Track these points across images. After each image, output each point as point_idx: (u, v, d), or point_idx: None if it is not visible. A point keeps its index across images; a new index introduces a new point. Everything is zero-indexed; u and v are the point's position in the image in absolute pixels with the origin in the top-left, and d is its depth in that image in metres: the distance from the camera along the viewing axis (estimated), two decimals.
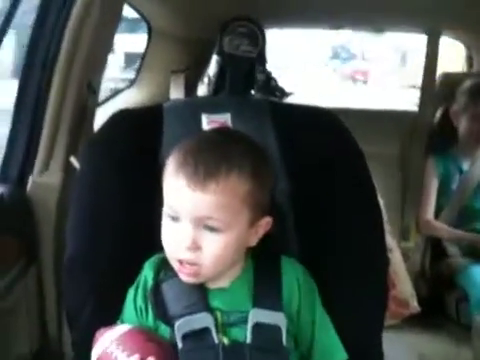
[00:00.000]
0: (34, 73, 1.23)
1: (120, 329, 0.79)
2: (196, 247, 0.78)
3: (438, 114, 1.96)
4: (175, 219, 0.80)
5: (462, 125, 1.86)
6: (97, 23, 1.25)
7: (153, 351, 0.76)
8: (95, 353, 0.78)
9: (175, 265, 0.81)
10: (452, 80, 2.00)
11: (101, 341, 0.78)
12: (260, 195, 0.81)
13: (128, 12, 2.05)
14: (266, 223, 0.83)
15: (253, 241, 0.84)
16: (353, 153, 1.00)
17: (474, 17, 2.00)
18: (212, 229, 0.78)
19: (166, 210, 0.81)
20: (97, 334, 0.80)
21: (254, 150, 0.83)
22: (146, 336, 0.78)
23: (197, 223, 0.78)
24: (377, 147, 1.77)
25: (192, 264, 0.79)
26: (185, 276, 0.81)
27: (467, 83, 1.87)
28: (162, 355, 0.76)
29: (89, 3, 1.22)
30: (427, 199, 1.88)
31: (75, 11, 1.22)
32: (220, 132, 0.90)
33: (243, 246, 0.83)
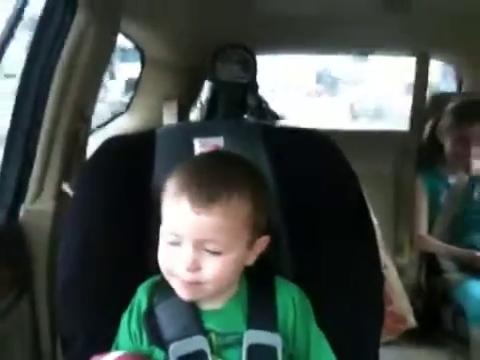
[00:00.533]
0: (27, 101, 1.24)
1: (114, 355, 0.78)
2: (196, 268, 0.78)
3: (427, 132, 1.98)
4: (176, 241, 0.80)
5: (447, 145, 1.89)
6: (91, 52, 1.26)
7: None
8: None
9: (175, 284, 0.81)
10: (442, 100, 2.03)
11: None
12: (259, 216, 0.81)
13: (126, 43, 2.10)
14: (264, 241, 0.84)
15: (251, 260, 0.84)
16: (345, 174, 1.01)
17: (462, 38, 2.04)
18: (213, 252, 0.78)
19: (166, 233, 0.81)
20: None
21: (252, 172, 0.84)
22: None
23: (198, 245, 0.78)
24: (370, 166, 1.78)
25: (193, 284, 0.79)
26: (186, 295, 0.81)
27: (452, 104, 1.90)
28: None
29: (83, 32, 1.24)
30: (419, 216, 1.90)
31: (69, 40, 1.23)
32: (216, 155, 0.91)
33: (241, 266, 0.83)
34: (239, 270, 0.83)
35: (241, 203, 0.79)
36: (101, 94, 1.45)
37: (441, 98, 2.11)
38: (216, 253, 0.78)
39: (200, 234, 0.77)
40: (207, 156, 0.91)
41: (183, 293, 0.81)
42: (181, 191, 0.79)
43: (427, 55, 2.02)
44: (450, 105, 1.89)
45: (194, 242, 0.78)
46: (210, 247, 0.78)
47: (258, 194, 0.81)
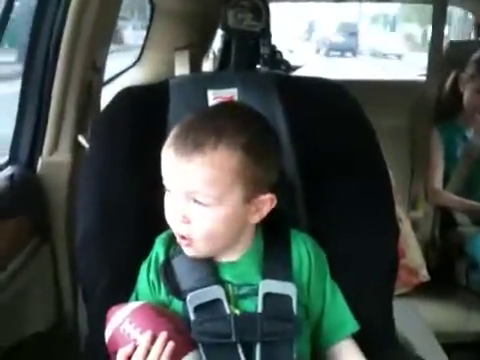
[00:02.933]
0: (39, 54, 1.23)
1: (131, 306, 0.80)
2: (187, 220, 0.78)
3: (448, 82, 1.93)
4: (170, 192, 0.80)
5: (466, 95, 1.84)
6: (100, 2, 1.24)
7: (165, 326, 0.77)
8: (108, 331, 0.79)
9: (177, 238, 0.82)
10: (459, 48, 1.98)
11: (113, 319, 0.79)
12: (256, 170, 0.78)
13: None
14: (269, 200, 0.81)
15: (254, 218, 0.82)
16: (361, 124, 1.00)
17: None
18: (202, 203, 0.77)
19: (165, 184, 0.81)
20: (109, 313, 0.80)
21: (253, 124, 0.80)
22: (157, 311, 0.79)
23: (187, 197, 0.78)
24: (385, 117, 1.75)
25: (186, 238, 0.80)
26: (184, 248, 0.82)
27: (478, 53, 1.84)
28: (174, 329, 0.77)
29: None
30: (434, 169, 1.87)
31: None
32: (221, 106, 0.90)
33: (241, 222, 0.81)
34: (238, 228, 0.81)
35: (230, 152, 0.76)
36: None
37: (458, 47, 2.05)
38: (205, 205, 0.77)
39: (187, 185, 0.77)
40: (209, 108, 0.91)
41: (184, 248, 0.82)
42: (171, 142, 0.78)
43: (444, 2, 1.95)
44: (476, 55, 1.83)
45: (183, 194, 0.77)
46: (199, 198, 0.77)
47: (255, 146, 0.78)
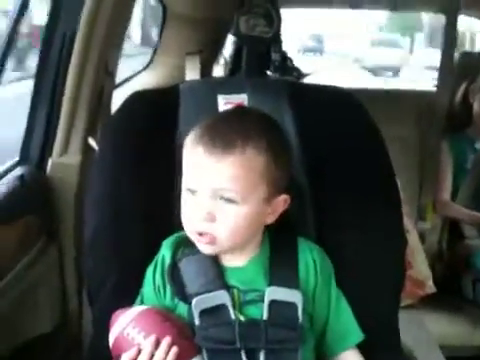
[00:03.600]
0: (52, 56, 1.25)
1: (135, 310, 0.80)
2: (212, 218, 0.79)
3: (459, 93, 1.92)
4: (193, 192, 0.81)
5: (476, 106, 1.83)
6: (113, 5, 1.25)
7: (169, 331, 0.76)
8: (112, 335, 0.79)
9: (194, 237, 0.82)
10: (471, 59, 1.97)
11: (117, 323, 0.79)
12: (276, 172, 0.81)
13: None
14: (284, 201, 0.84)
15: (270, 219, 0.84)
16: (370, 132, 1.00)
17: None
18: (228, 200, 0.79)
19: (184, 184, 0.83)
20: (113, 316, 0.80)
21: (270, 127, 0.84)
22: (162, 316, 0.79)
23: (214, 195, 0.79)
24: (395, 127, 1.75)
25: (208, 235, 0.80)
26: (203, 246, 0.82)
27: None
28: (178, 334, 0.77)
29: None
30: (443, 180, 1.86)
31: None
32: (235, 110, 0.92)
33: (259, 222, 0.83)
34: (256, 226, 0.83)
35: (256, 154, 0.79)
36: None
37: (470, 57, 2.04)
38: (232, 202, 0.79)
39: (216, 183, 0.78)
40: (226, 111, 0.92)
41: (201, 246, 0.82)
42: (197, 142, 0.80)
43: (456, 11, 1.95)
44: None
45: (210, 191, 0.79)
46: (226, 195, 0.78)
47: (276, 148, 0.81)
